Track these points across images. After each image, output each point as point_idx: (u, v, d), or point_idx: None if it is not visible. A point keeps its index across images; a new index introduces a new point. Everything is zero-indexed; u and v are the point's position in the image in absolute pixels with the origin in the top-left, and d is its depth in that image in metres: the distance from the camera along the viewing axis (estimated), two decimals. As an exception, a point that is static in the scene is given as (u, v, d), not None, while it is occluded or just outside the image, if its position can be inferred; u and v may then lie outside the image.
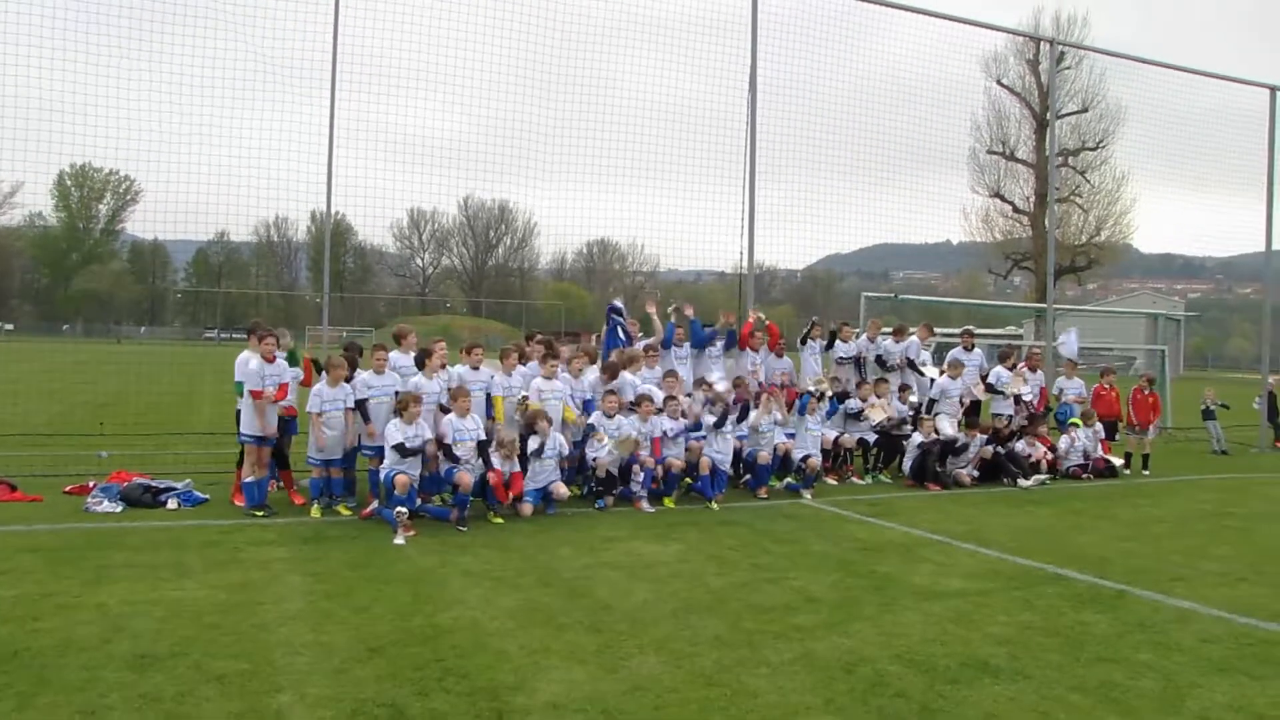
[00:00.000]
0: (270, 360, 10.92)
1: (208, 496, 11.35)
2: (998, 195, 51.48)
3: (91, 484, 11.39)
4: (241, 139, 13.71)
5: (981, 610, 7.65)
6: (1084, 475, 15.59)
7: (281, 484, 11.75)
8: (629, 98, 16.34)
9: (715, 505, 12.11)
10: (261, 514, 10.54)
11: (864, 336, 16.10)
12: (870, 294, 20.94)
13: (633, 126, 16.12)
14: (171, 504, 10.84)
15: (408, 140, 15.28)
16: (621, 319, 14.28)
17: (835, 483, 14.35)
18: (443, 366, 11.77)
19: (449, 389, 11.47)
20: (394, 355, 11.91)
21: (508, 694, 5.54)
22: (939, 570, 9.01)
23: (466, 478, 10.47)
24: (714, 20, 16.24)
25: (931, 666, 6.24)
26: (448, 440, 10.71)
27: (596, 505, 11.76)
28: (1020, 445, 15.07)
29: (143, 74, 13.07)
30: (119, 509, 10.59)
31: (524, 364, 12.55)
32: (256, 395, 10.67)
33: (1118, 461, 16.36)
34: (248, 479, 10.74)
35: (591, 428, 12.07)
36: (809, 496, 12.97)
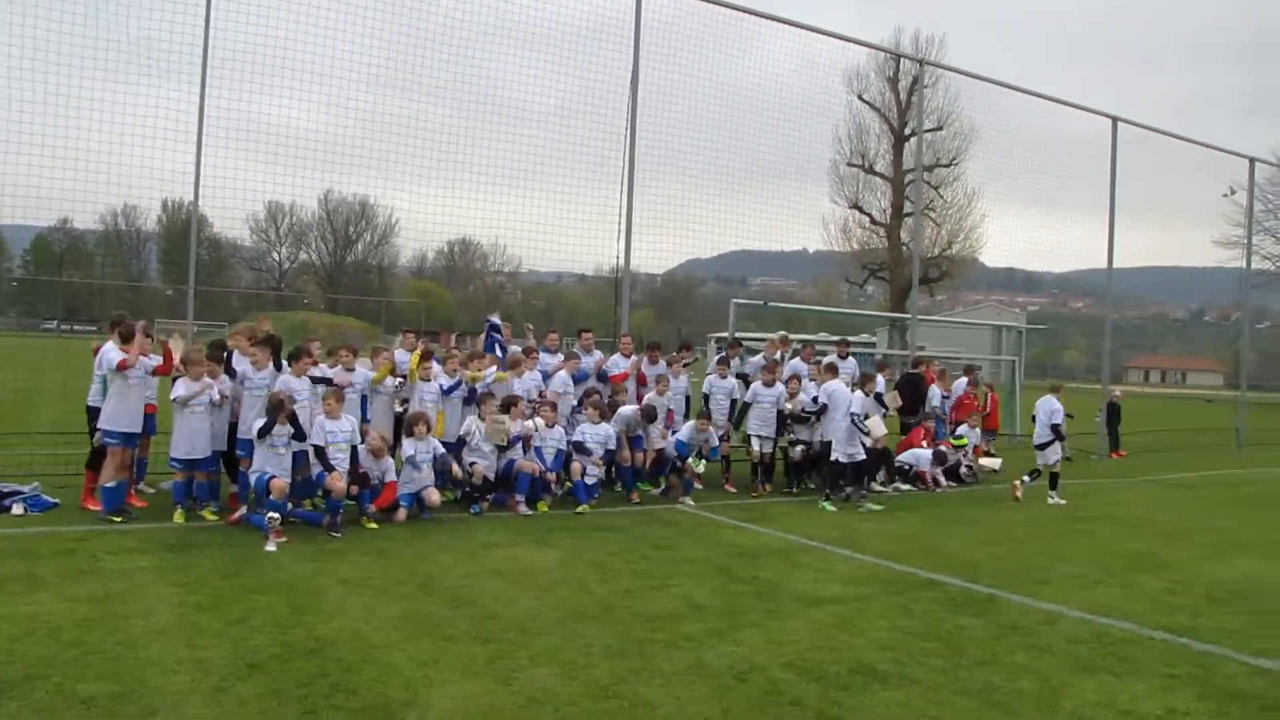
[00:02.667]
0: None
1: (58, 501, 10.57)
2: (856, 207, 53.02)
3: (-78, 488, 10.48)
4: (91, 122, 12.90)
5: (863, 616, 7.81)
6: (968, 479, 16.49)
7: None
8: (497, 98, 16.20)
9: (587, 509, 12.08)
10: (119, 519, 9.94)
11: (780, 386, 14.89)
12: (739, 300, 21.18)
13: (499, 127, 16.00)
14: (17, 509, 10.08)
15: (268, 131, 14.72)
16: (499, 334, 14.16)
17: (734, 491, 14.44)
18: (314, 364, 11.34)
19: (325, 390, 11.06)
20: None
21: (401, 709, 5.34)
22: (818, 576, 9.17)
23: (340, 482, 10.12)
24: (578, 24, 16.22)
25: (822, 673, 6.32)
26: (319, 443, 10.32)
27: (471, 510, 11.55)
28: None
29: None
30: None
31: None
32: (123, 365, 10.11)
33: (994, 463, 17.17)
34: (108, 483, 10.11)
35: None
36: (689, 503, 13.04)
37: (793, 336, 19.18)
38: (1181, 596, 9.00)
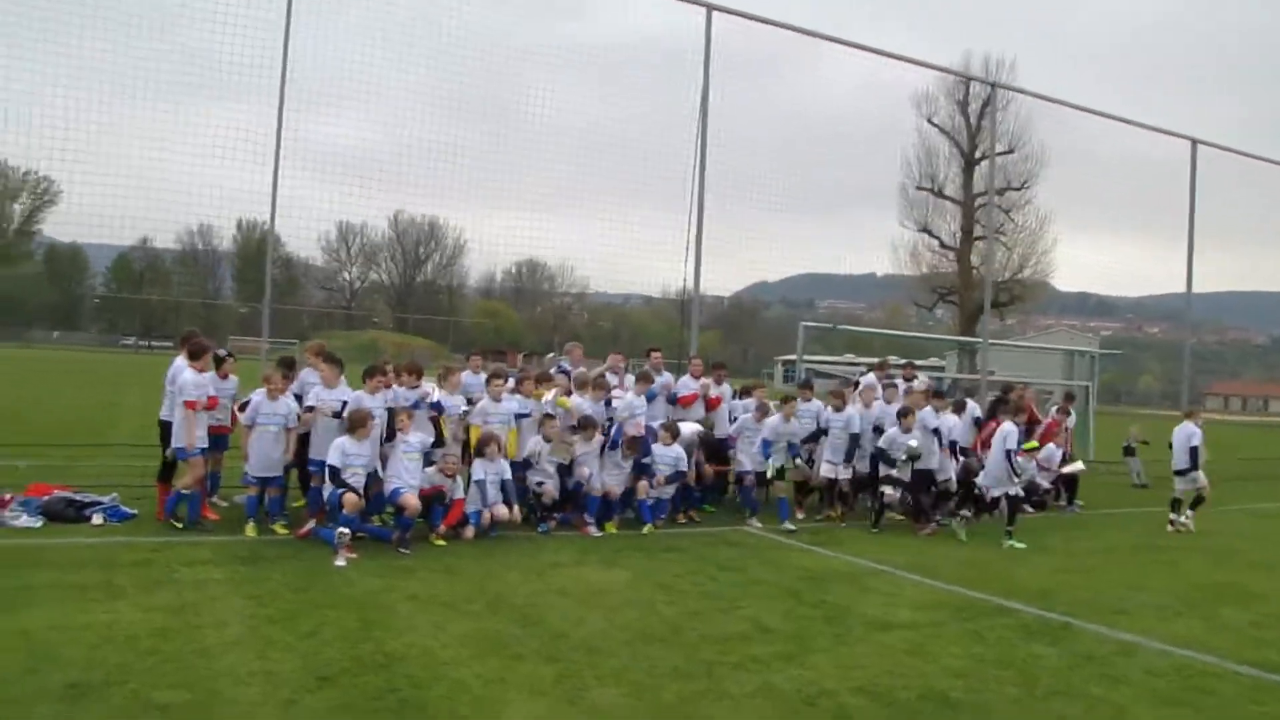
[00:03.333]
0: (204, 371, 10.65)
1: (135, 512, 10.81)
2: (925, 230, 52.58)
3: (8, 496, 10.74)
4: (169, 144, 13.32)
5: (934, 642, 7.66)
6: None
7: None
8: (563, 122, 16.34)
9: (651, 529, 12.09)
10: (180, 525, 10.31)
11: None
12: (808, 323, 21.07)
13: (568, 150, 16.15)
14: (97, 519, 10.36)
15: (341, 153, 15.07)
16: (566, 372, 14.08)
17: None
18: (387, 386, 11.49)
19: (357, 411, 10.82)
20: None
21: (469, 727, 5.36)
22: (887, 601, 9.02)
23: (412, 500, 10.22)
24: (648, 47, 16.37)
25: (892, 699, 6.21)
26: (334, 463, 10.19)
27: (539, 529, 11.59)
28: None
29: (64, 73, 12.63)
30: (39, 524, 10.10)
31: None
32: (190, 406, 10.33)
33: (1077, 466, 16.82)
34: (185, 490, 10.45)
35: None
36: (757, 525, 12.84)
37: (859, 360, 18.98)
38: (1270, 630, 8.68)
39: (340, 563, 9.13)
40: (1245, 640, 8.28)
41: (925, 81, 47.26)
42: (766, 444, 13.13)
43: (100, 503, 10.70)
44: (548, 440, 11.86)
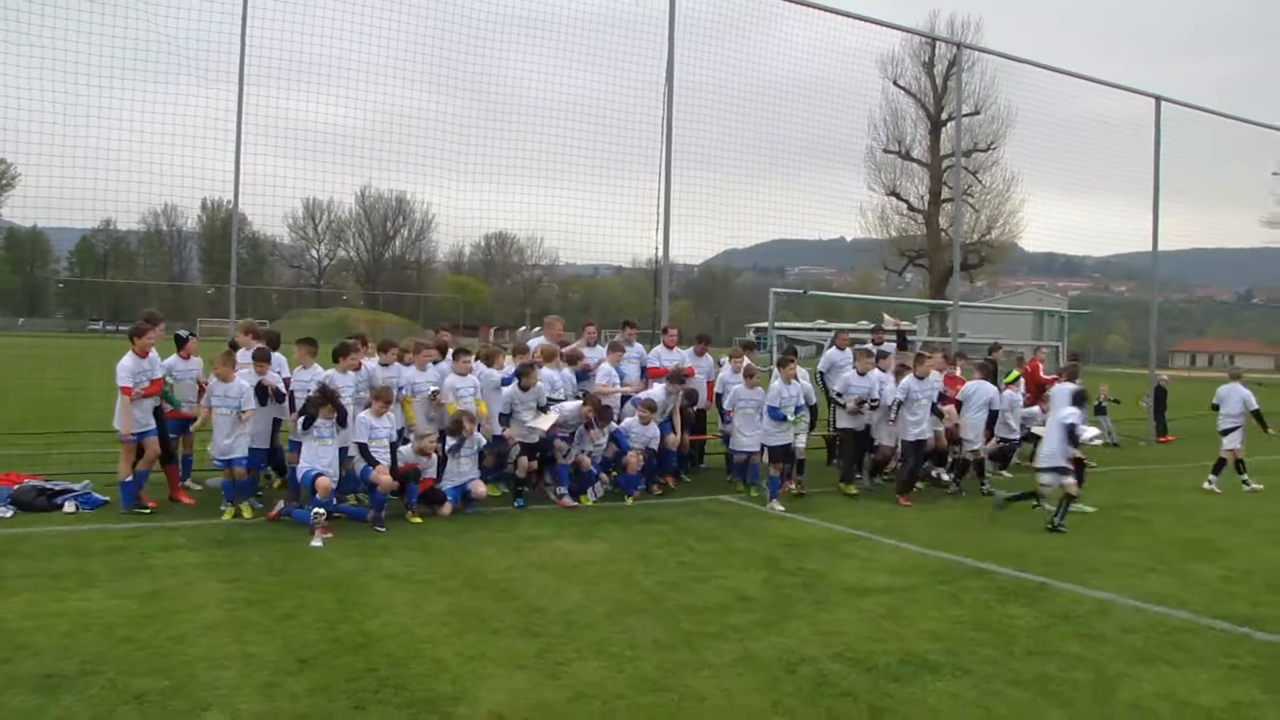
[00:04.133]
0: (144, 355, 10.47)
1: (108, 499, 10.69)
2: (894, 193, 52.53)
3: (-23, 487, 10.64)
4: (130, 124, 13.03)
5: (912, 606, 7.72)
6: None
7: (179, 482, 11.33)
8: (530, 91, 16.14)
9: (631, 501, 12.17)
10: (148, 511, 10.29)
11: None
12: (778, 289, 21.00)
13: (535, 121, 15.97)
14: (69, 507, 10.24)
15: (305, 129, 14.78)
16: None
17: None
18: (358, 366, 11.41)
19: (371, 388, 11.14)
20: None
21: (449, 704, 5.34)
22: (865, 566, 9.08)
23: (386, 477, 10.17)
24: (611, 17, 16.14)
25: (873, 665, 6.26)
26: (363, 440, 10.36)
27: (515, 504, 11.57)
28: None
29: (19, 51, 12.34)
30: (9, 513, 9.97)
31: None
32: (125, 392, 10.17)
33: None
34: (126, 478, 10.32)
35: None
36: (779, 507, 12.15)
37: (832, 325, 19.03)
38: (1239, 585, 8.82)
39: (316, 543, 9.09)
40: (1216, 595, 8.42)
41: (891, 44, 47.20)
42: (773, 409, 12.40)
43: (72, 490, 10.57)
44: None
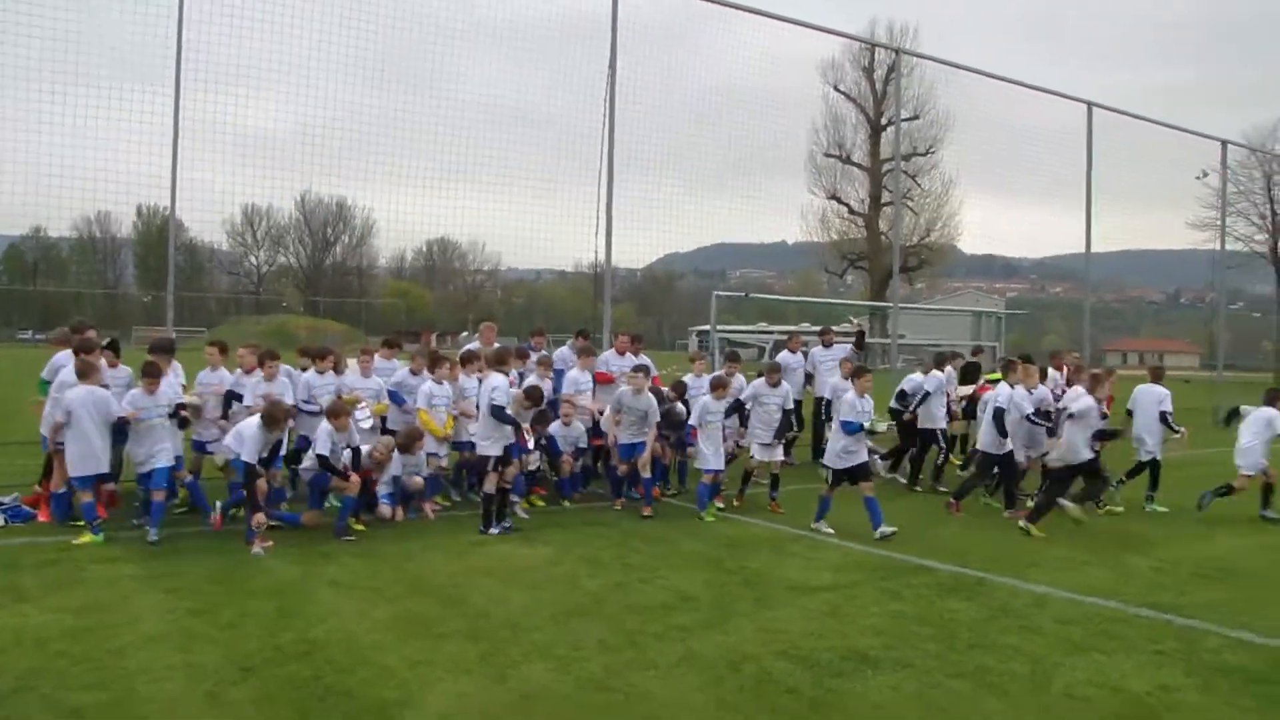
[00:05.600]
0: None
1: (34, 512, 10.44)
2: (834, 197, 53.21)
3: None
4: (62, 129, 12.77)
5: (853, 603, 7.83)
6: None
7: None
8: (474, 97, 16.09)
9: (568, 504, 12.21)
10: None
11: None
12: (720, 292, 21.22)
13: (475, 125, 15.88)
14: (-2, 520, 10.00)
15: (243, 134, 14.59)
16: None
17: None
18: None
19: (336, 400, 10.77)
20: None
21: (395, 710, 5.33)
22: (807, 564, 9.19)
23: (354, 481, 10.06)
24: (554, 21, 16.17)
25: (815, 661, 6.34)
26: (324, 451, 10.11)
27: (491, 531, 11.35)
28: None
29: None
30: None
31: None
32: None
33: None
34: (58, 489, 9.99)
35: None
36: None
37: (774, 328, 19.20)
38: (1167, 575, 9.08)
39: (257, 551, 8.96)
40: (1147, 585, 8.66)
41: (831, 50, 47.83)
42: (849, 423, 10.81)
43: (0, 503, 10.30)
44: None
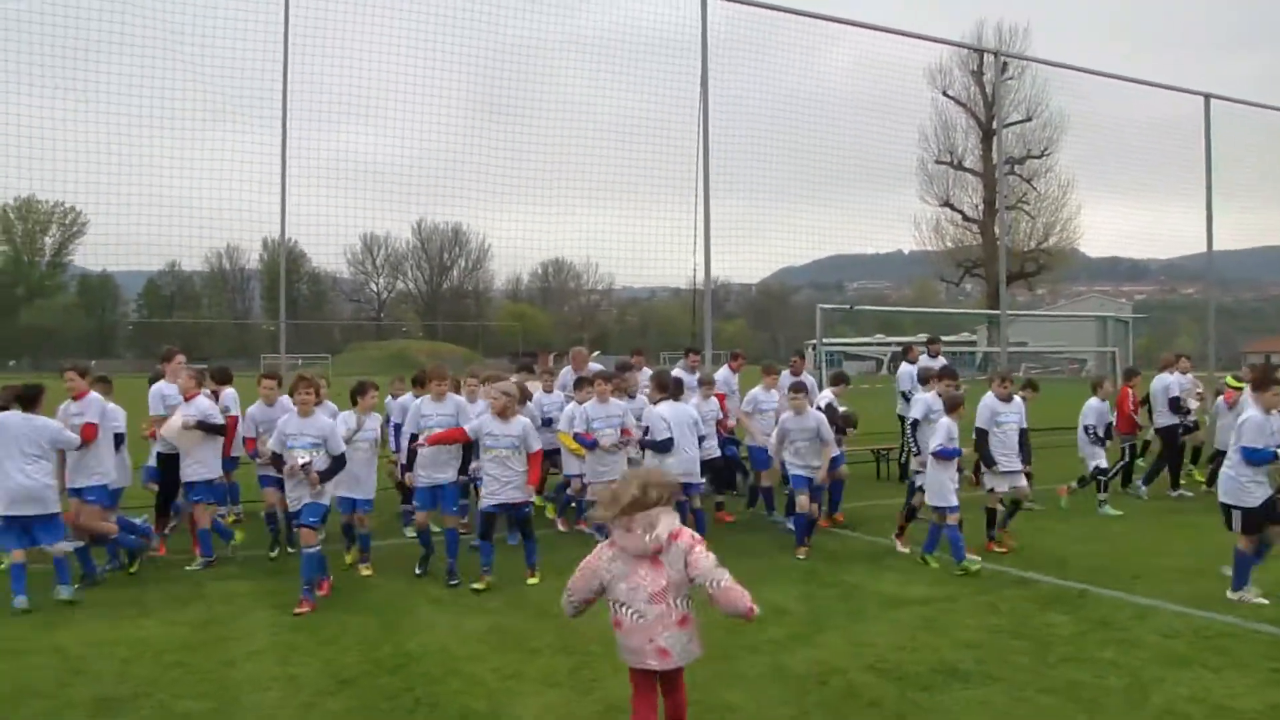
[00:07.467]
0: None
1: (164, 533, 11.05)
2: (947, 204, 52.22)
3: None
4: (190, 168, 13.63)
5: (949, 616, 7.72)
6: None
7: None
8: (579, 117, 16.39)
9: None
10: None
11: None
12: (825, 305, 21.08)
13: (584, 145, 16.18)
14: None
15: (359, 165, 15.30)
16: None
17: None
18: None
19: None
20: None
21: (482, 720, 5.51)
22: (904, 578, 9.09)
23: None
24: (662, 39, 16.36)
25: (902, 674, 6.29)
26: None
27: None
28: None
29: (85, 105, 12.94)
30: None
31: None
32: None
33: None
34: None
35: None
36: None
37: (891, 339, 18.92)
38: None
39: (366, 571, 9.25)
40: (1269, 600, 8.24)
41: (939, 55, 46.96)
42: (1253, 451, 8.15)
43: (135, 525, 10.89)
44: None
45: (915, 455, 10.83)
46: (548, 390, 12.35)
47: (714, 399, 12.28)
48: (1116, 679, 6.21)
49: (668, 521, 4.80)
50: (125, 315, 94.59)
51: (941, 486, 9.59)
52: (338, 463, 8.35)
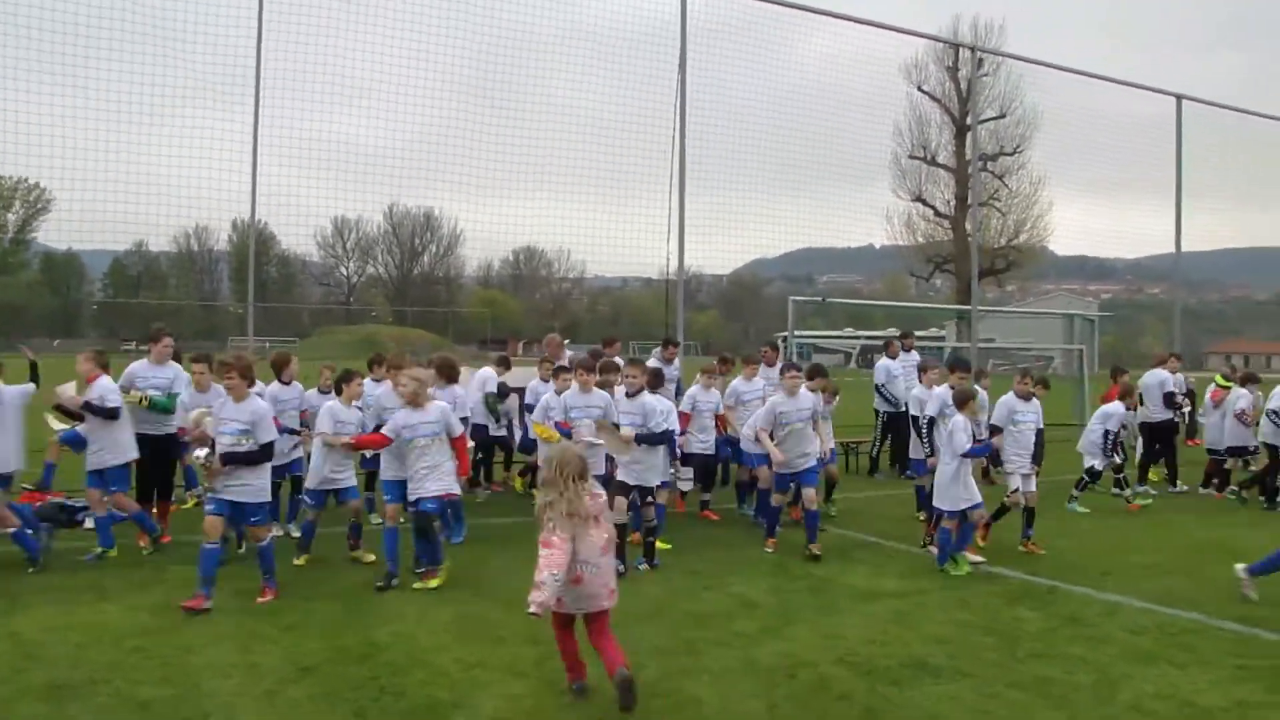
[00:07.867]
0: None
1: (126, 516, 10.82)
2: (919, 199, 52.32)
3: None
4: (160, 148, 13.35)
5: (919, 610, 7.72)
6: None
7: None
8: (555, 105, 16.31)
9: None
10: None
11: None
12: (797, 298, 21.05)
13: (559, 134, 16.06)
14: (88, 523, 10.36)
15: (331, 148, 15.04)
16: None
17: None
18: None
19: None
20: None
21: (447, 710, 5.43)
22: (874, 571, 9.07)
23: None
24: (640, 28, 16.28)
25: (872, 668, 6.26)
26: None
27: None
28: None
29: (50, 80, 12.66)
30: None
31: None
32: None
33: None
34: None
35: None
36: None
37: (861, 332, 18.94)
38: (1262, 588, 8.65)
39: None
40: (1230, 596, 8.29)
41: (914, 49, 47.06)
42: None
43: (89, 507, 10.70)
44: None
45: (929, 456, 10.31)
46: (545, 379, 12.07)
47: (714, 390, 11.88)
48: (1085, 675, 6.21)
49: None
50: (90, 294, 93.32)
51: (950, 488, 9.23)
52: (264, 451, 7.92)
